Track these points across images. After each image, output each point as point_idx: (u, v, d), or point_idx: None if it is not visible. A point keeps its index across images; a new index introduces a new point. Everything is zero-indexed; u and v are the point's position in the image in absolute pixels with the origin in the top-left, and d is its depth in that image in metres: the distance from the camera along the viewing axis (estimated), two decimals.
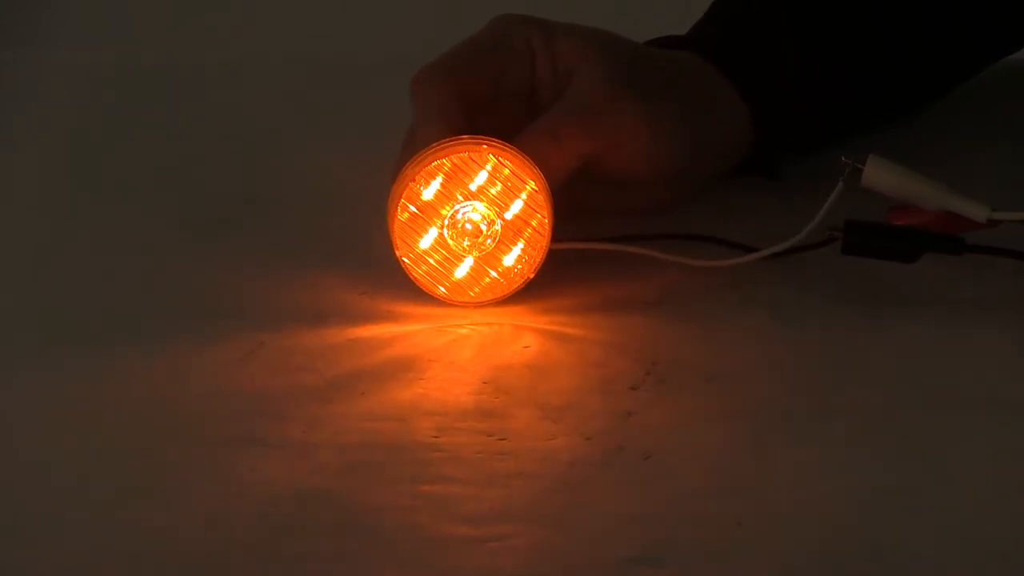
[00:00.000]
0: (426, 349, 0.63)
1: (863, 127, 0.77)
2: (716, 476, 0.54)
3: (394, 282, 0.68)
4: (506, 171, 0.64)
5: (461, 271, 0.65)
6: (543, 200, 0.64)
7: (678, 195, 0.72)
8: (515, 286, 0.65)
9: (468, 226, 0.64)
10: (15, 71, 1.03)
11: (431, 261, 0.65)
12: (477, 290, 0.65)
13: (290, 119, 0.93)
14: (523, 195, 0.64)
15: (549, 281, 0.66)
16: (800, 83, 0.73)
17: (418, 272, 0.65)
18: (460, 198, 0.64)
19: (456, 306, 0.65)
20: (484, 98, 0.69)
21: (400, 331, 0.64)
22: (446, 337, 0.64)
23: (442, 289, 0.65)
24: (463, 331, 0.64)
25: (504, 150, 0.64)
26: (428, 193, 0.64)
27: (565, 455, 0.55)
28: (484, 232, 0.64)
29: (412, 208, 0.64)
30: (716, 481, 0.54)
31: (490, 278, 0.65)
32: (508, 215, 0.64)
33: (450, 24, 0.75)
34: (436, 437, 0.57)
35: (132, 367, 0.63)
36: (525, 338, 0.64)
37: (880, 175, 0.65)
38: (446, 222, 0.64)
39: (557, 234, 0.65)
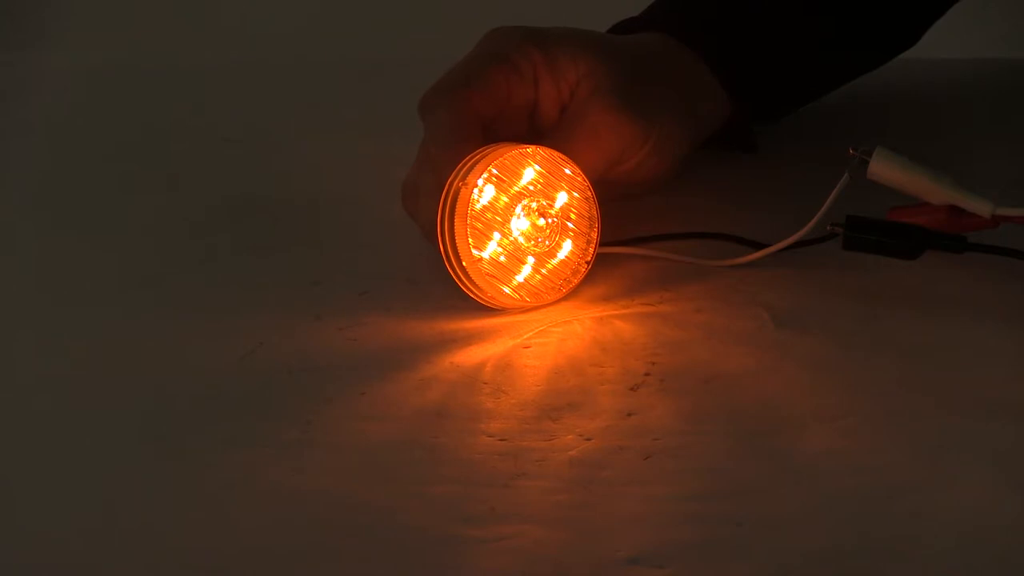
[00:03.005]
0: (426, 349, 0.63)
1: (832, 85, 0.83)
2: (716, 476, 0.54)
3: (393, 282, 0.69)
4: (544, 169, 0.64)
5: (524, 272, 0.65)
6: (590, 193, 0.65)
7: (672, 176, 0.74)
8: (582, 272, 0.66)
9: (526, 225, 0.64)
10: (15, 72, 1.04)
11: (494, 267, 0.64)
12: (545, 288, 0.65)
13: (289, 119, 0.93)
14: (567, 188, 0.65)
15: None
16: (765, 55, 0.76)
17: (482, 280, 0.64)
18: (526, 200, 0.64)
19: (516, 310, 0.65)
20: (491, 116, 0.69)
21: (400, 331, 0.64)
22: (446, 337, 0.64)
23: (506, 290, 0.64)
24: (463, 332, 0.64)
25: (542, 148, 0.65)
26: (484, 199, 0.63)
27: (565, 455, 0.55)
28: (545, 225, 0.64)
29: (471, 218, 0.63)
30: (716, 481, 0.54)
31: (553, 273, 0.65)
32: (556, 206, 0.65)
33: (450, 25, 0.75)
34: (436, 437, 0.57)
35: (130, 367, 0.63)
36: (525, 338, 0.63)
37: (886, 167, 0.65)
38: (513, 225, 0.64)
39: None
